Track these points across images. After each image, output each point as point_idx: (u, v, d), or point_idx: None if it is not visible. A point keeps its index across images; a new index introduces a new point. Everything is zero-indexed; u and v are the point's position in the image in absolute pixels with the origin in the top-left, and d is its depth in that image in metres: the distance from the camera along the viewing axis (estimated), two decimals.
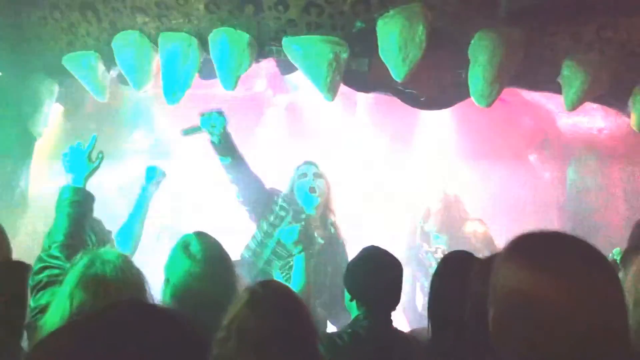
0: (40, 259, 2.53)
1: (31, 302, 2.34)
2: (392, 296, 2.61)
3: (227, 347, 1.87)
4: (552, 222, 5.10)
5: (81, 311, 1.97)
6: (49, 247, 2.58)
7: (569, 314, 1.21)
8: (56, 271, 2.40)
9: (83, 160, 2.82)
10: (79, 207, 2.70)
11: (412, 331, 2.95)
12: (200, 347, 1.05)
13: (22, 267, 2.34)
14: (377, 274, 2.59)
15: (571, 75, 3.59)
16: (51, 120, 4.42)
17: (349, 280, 2.65)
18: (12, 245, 2.87)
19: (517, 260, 1.31)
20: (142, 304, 1.12)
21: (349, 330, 2.54)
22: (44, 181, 4.71)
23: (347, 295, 2.63)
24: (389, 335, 2.55)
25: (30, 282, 2.40)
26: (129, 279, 2.07)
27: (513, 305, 1.27)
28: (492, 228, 4.99)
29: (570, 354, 1.20)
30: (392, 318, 2.62)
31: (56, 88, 4.26)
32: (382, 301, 2.58)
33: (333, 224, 4.31)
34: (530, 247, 1.33)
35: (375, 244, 2.75)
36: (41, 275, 2.43)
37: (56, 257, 2.50)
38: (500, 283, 1.32)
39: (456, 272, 2.33)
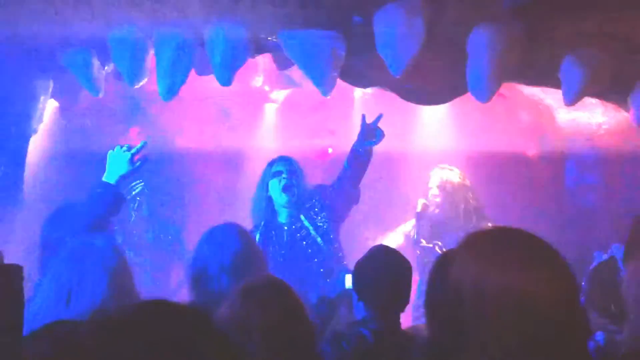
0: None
1: None
2: (401, 298, 2.55)
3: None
4: (550, 219, 5.08)
5: (60, 288, 2.00)
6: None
7: (514, 308, 1.21)
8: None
9: (123, 162, 2.87)
10: (104, 204, 2.73)
11: (412, 328, 2.92)
12: (228, 343, 1.04)
13: (14, 271, 2.30)
14: (385, 274, 2.52)
15: (571, 70, 3.55)
16: (46, 117, 4.39)
17: (355, 281, 2.60)
18: (7, 243, 2.85)
19: (467, 256, 1.34)
20: (168, 303, 1.11)
21: (356, 333, 2.48)
22: (39, 178, 4.68)
23: (355, 296, 2.57)
24: (397, 340, 2.49)
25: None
26: (110, 264, 2.09)
27: (464, 300, 1.29)
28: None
29: (520, 348, 1.21)
30: (400, 321, 2.56)
31: (51, 84, 4.22)
32: (389, 303, 2.52)
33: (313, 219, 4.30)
34: (480, 243, 1.36)
35: (383, 243, 2.71)
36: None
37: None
38: (452, 278, 1.34)
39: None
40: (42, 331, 1.67)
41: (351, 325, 2.64)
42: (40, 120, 4.27)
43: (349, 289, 2.90)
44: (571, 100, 3.64)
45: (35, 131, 4.26)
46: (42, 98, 4.21)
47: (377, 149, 4.35)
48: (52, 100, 4.47)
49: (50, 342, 1.65)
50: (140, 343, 0.95)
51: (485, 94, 3.53)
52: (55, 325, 1.81)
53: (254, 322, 1.88)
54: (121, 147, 2.96)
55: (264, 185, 4.36)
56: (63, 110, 4.73)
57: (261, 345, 1.86)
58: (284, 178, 4.25)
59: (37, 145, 4.47)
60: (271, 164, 4.39)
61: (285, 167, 4.30)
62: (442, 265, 1.95)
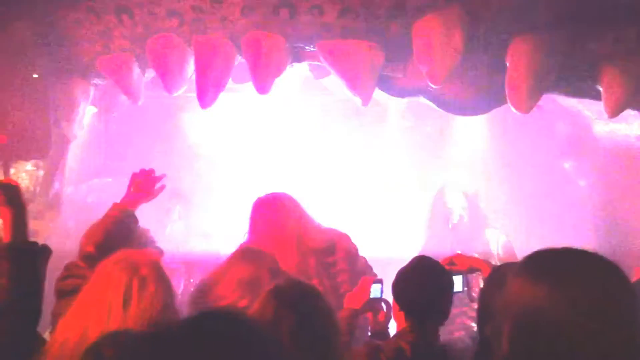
0: (66, 267, 2.55)
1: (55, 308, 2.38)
2: (440, 310, 2.52)
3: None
4: (587, 232, 4.99)
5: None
6: (78, 256, 2.60)
7: (585, 332, 1.18)
8: (79, 280, 2.41)
9: (147, 188, 2.85)
10: (120, 226, 2.71)
11: (446, 341, 2.88)
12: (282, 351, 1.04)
13: (36, 250, 2.23)
14: (425, 286, 2.50)
15: (612, 81, 3.50)
16: (85, 122, 4.45)
17: (395, 291, 2.58)
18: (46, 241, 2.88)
19: (532, 276, 1.28)
20: (227, 313, 1.12)
21: (395, 345, 2.47)
22: (77, 182, 4.76)
23: (395, 307, 2.56)
24: (435, 353, 2.47)
25: (56, 288, 2.45)
26: (156, 278, 2.09)
27: (529, 323, 1.24)
28: (526, 238, 4.89)
29: None
30: (439, 333, 2.54)
31: (92, 90, 4.28)
32: (428, 315, 2.50)
33: None
34: (545, 263, 1.31)
35: (425, 255, 2.68)
36: (65, 283, 2.46)
37: (81, 267, 2.52)
38: (514, 300, 1.29)
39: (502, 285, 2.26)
40: (104, 339, 1.66)
41: (387, 337, 2.62)
42: (81, 127, 4.33)
43: (372, 298, 2.88)
44: (613, 112, 3.57)
45: (75, 137, 4.32)
46: (82, 104, 4.26)
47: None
48: (92, 106, 4.53)
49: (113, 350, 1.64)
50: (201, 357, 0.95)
51: (525, 106, 3.48)
52: (118, 334, 1.82)
53: (283, 325, 1.89)
54: (144, 170, 2.90)
55: None
56: (101, 116, 4.79)
57: (289, 347, 1.87)
58: None
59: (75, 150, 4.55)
60: None
61: None
62: (496, 280, 1.92)
